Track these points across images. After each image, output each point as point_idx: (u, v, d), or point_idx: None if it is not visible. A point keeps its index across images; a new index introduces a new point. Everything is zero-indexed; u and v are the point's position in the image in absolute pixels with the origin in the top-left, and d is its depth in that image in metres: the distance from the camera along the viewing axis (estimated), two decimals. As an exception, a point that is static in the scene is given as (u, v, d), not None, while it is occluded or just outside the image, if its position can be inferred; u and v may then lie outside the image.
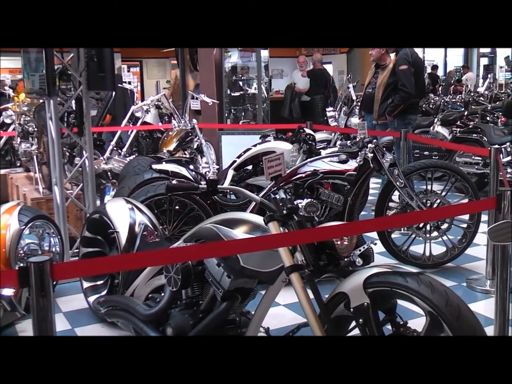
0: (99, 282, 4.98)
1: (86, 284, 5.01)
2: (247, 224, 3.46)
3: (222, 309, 3.50)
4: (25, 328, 4.83)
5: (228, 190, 5.74)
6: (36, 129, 7.93)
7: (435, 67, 21.15)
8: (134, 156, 9.11)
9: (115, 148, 9.30)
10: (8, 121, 10.27)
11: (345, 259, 3.29)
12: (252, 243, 3.14)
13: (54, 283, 2.57)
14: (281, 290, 3.32)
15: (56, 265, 2.53)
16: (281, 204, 3.25)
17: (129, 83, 12.88)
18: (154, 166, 5.87)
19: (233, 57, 11.02)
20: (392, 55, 8.49)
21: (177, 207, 5.64)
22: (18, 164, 10.37)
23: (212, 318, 3.53)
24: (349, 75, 13.27)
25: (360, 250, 4.25)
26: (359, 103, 9.93)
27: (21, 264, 5.08)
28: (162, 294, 3.90)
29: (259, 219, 3.42)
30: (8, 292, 4.58)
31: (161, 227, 4.79)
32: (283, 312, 4.90)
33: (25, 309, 4.77)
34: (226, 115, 10.53)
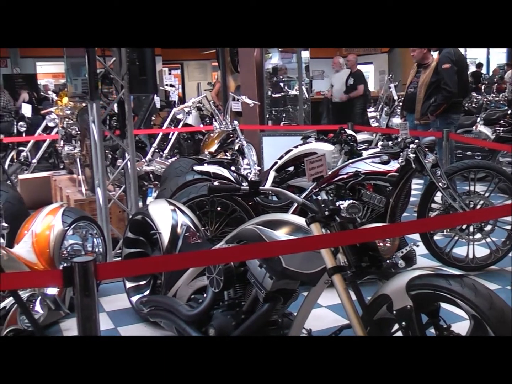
0: (141, 282, 5.02)
1: (129, 284, 5.05)
2: (289, 226, 3.45)
3: (264, 310, 3.50)
4: (69, 326, 4.91)
5: (269, 192, 5.74)
6: (79, 132, 8.02)
7: (480, 65, 20.83)
8: (175, 158, 9.18)
9: (157, 150, 9.37)
10: (51, 124, 10.40)
11: (387, 261, 3.27)
12: (294, 244, 3.14)
13: (98, 282, 2.59)
14: (323, 291, 3.32)
15: (99, 265, 2.56)
16: (323, 205, 3.24)
17: (171, 85, 13.00)
18: (196, 168, 5.91)
19: (274, 59, 11.01)
20: (435, 54, 8.40)
21: (218, 208, 5.67)
22: (62, 167, 10.51)
23: (255, 319, 3.53)
24: (390, 75, 13.18)
25: (402, 252, 4.21)
26: (400, 103, 9.85)
27: (65, 264, 5.15)
28: (205, 295, 3.92)
29: (301, 221, 3.41)
30: (52, 291, 4.65)
31: (203, 228, 4.82)
32: (325, 313, 4.88)
33: (69, 308, 4.85)
34: (267, 116, 10.52)
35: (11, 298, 4.34)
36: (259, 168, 8.82)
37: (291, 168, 6.79)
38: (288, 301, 3.59)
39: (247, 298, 3.70)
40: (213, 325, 3.72)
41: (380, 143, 7.99)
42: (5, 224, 3.88)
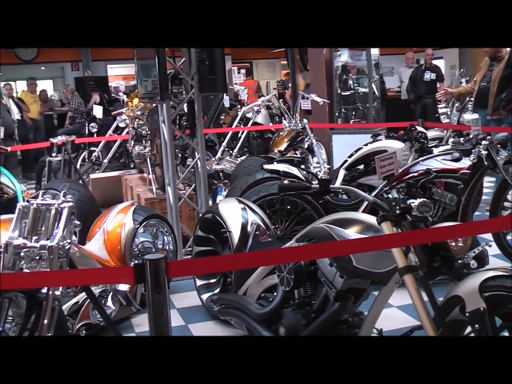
0: (212, 280, 5.05)
1: (199, 282, 5.09)
2: (360, 224, 3.42)
3: (335, 309, 3.47)
4: (141, 322, 4.98)
5: (340, 190, 5.70)
6: (149, 132, 8.14)
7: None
8: (245, 156, 9.21)
9: (226, 149, 9.43)
10: (122, 125, 10.59)
11: (459, 261, 3.20)
12: (365, 243, 3.11)
13: (169, 280, 2.63)
14: (394, 291, 3.28)
15: (171, 263, 2.59)
16: (394, 203, 3.20)
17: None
18: (266, 166, 5.91)
19: (343, 56, 10.94)
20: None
21: (288, 207, 5.66)
22: (132, 166, 10.69)
23: (325, 318, 3.51)
24: (462, 70, 12.92)
25: (474, 252, 4.14)
26: (472, 99, 9.64)
27: (136, 261, 5.24)
28: (275, 293, 3.91)
29: (371, 219, 3.38)
30: (123, 287, 4.74)
31: (273, 226, 4.81)
32: (396, 314, 4.82)
33: (140, 304, 4.92)
34: (337, 114, 10.47)
35: (83, 293, 4.44)
36: (328, 166, 8.79)
37: (361, 166, 6.73)
38: (358, 300, 3.56)
39: (317, 297, 3.68)
40: (283, 324, 3.72)
41: (451, 140, 7.84)
42: (77, 222, 3.94)
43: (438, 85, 12.26)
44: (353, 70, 10.87)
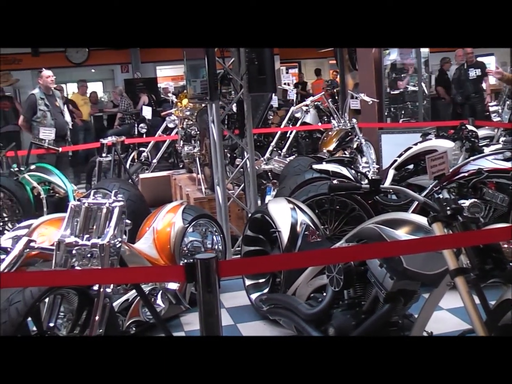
0: (261, 280, 5.06)
1: (248, 282, 5.10)
2: (410, 225, 3.39)
3: (384, 311, 3.45)
4: (190, 321, 5.02)
5: (390, 190, 5.64)
6: (198, 132, 8.19)
7: None
8: (294, 156, 9.20)
9: (275, 149, 9.43)
10: (171, 125, 10.69)
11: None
12: (415, 244, 3.08)
13: (219, 279, 2.64)
14: (445, 293, 3.24)
15: (222, 262, 2.61)
16: (445, 204, 3.16)
17: (289, 84, 13.05)
18: (315, 166, 5.89)
19: (392, 55, 10.85)
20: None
21: (337, 207, 5.62)
22: (181, 166, 10.76)
23: (375, 320, 3.49)
24: (513, 66, 12.68)
25: (527, 255, 4.05)
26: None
27: (185, 261, 5.28)
28: (324, 294, 3.90)
29: (422, 220, 3.35)
30: (173, 286, 4.77)
31: (322, 227, 4.80)
32: (447, 316, 4.75)
33: (189, 303, 4.95)
34: (386, 113, 10.39)
35: (133, 291, 4.49)
36: (377, 166, 8.73)
37: (411, 166, 6.65)
38: (408, 302, 3.53)
39: (367, 298, 3.66)
40: (332, 325, 3.71)
41: (502, 138, 7.70)
42: (128, 221, 4.00)
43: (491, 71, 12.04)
44: (411, 68, 10.75)
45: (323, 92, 12.01)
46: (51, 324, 3.67)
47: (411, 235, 3.31)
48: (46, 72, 9.31)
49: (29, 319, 3.45)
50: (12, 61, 17.77)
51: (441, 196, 3.27)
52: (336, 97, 13.64)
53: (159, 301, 4.68)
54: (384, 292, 3.41)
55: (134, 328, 4.57)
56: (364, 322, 3.55)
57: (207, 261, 2.54)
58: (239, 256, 5.63)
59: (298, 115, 10.55)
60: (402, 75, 10.79)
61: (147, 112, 11.68)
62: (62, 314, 3.86)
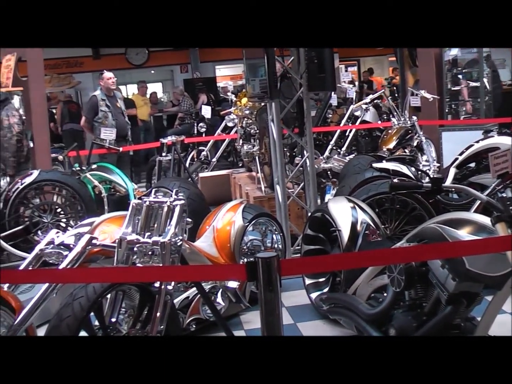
0: (321, 279, 5.04)
1: (308, 281, 5.08)
2: (473, 225, 3.33)
3: (446, 313, 3.39)
4: (250, 319, 5.03)
5: (451, 189, 5.55)
6: (257, 131, 8.20)
7: None
8: (353, 155, 9.15)
9: (334, 148, 9.39)
10: (230, 124, 10.73)
11: None
12: (478, 245, 3.03)
13: (280, 278, 2.64)
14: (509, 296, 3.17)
15: (283, 261, 2.60)
16: (508, 203, 3.09)
17: (350, 82, 12.96)
18: (375, 165, 5.85)
19: (453, 50, 10.67)
20: None
21: (398, 206, 5.56)
22: (240, 165, 10.80)
23: (436, 322, 3.44)
24: None
25: None
26: None
27: (245, 259, 5.30)
28: (385, 294, 3.86)
29: (485, 220, 3.28)
30: (233, 284, 4.79)
31: (382, 226, 4.75)
32: (510, 320, 4.64)
33: (249, 301, 4.96)
34: (447, 110, 10.24)
35: (194, 288, 4.53)
36: (438, 164, 8.61)
37: (472, 165, 6.54)
38: (471, 304, 3.46)
39: (428, 299, 3.60)
40: (393, 325, 3.66)
41: None
42: (189, 220, 4.04)
43: None
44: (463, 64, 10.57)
45: (382, 90, 11.90)
46: (113, 320, 3.74)
47: (474, 235, 3.24)
48: (107, 74, 9.49)
49: (92, 314, 3.50)
50: (74, 64, 18.14)
51: (504, 195, 3.20)
52: (396, 95, 13.51)
53: (219, 299, 4.71)
54: (446, 294, 3.35)
55: (194, 326, 4.61)
56: (425, 324, 3.49)
57: (269, 259, 2.54)
58: (298, 255, 5.63)
59: (357, 113, 10.46)
60: (463, 71, 10.61)
61: (206, 112, 11.76)
62: (123, 310, 3.92)
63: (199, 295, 4.51)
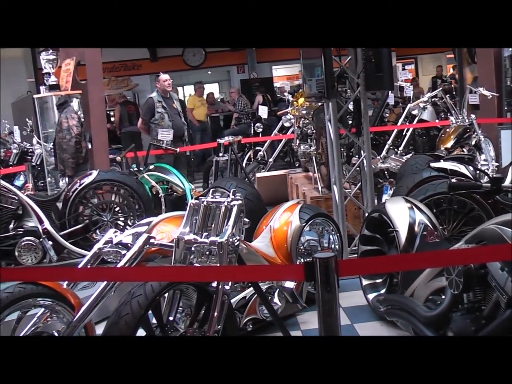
0: (378, 280, 5.00)
1: (365, 282, 5.05)
2: (534, 226, 3.27)
3: (506, 317, 3.32)
4: (306, 319, 5.03)
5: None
6: (314, 131, 8.19)
7: None
8: (411, 154, 9.05)
9: (391, 147, 9.31)
10: (287, 124, 10.76)
11: None
12: (541, 247, 2.97)
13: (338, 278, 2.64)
14: None
15: (341, 262, 2.60)
16: None
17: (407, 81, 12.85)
18: (433, 165, 5.78)
19: (513, 46, 10.49)
20: None
21: (456, 206, 5.49)
22: (297, 165, 10.81)
23: (496, 326, 3.37)
24: None
25: None
26: None
27: (301, 260, 5.31)
28: (443, 296, 3.81)
29: (547, 221, 3.22)
30: (290, 284, 4.79)
31: (440, 227, 4.70)
32: None
33: (306, 301, 4.96)
34: (506, 108, 10.05)
35: (250, 289, 4.55)
36: (497, 164, 8.45)
37: (534, 163, 6.40)
38: (532, 308, 3.39)
39: (487, 302, 3.54)
40: (451, 329, 3.61)
41: None
42: (246, 220, 4.06)
43: None
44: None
45: (440, 88, 11.74)
46: (171, 318, 3.79)
47: (535, 237, 3.19)
48: (164, 76, 9.63)
49: (150, 312, 3.55)
50: (132, 67, 18.41)
51: None
52: (454, 93, 13.33)
53: (276, 299, 4.72)
54: (505, 297, 3.28)
55: (250, 326, 4.63)
56: (484, 328, 3.44)
57: (326, 260, 2.55)
58: (355, 255, 5.60)
59: (415, 112, 10.35)
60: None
61: (263, 112, 11.80)
62: (180, 309, 3.96)
63: (256, 295, 4.54)
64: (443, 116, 11.55)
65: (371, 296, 4.98)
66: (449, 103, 10.34)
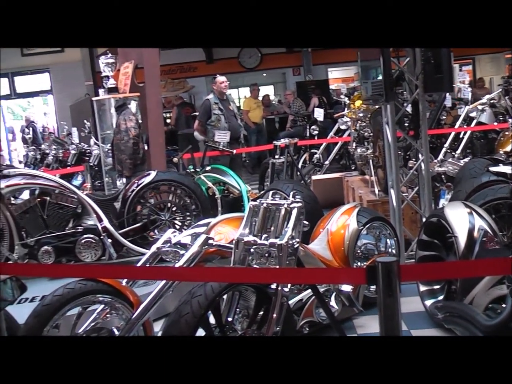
0: (435, 287, 4.96)
1: (423, 288, 5.01)
2: None
3: None
4: (363, 323, 5.03)
5: None
6: (371, 133, 8.15)
7: None
8: (468, 158, 8.93)
9: (449, 151, 9.20)
10: (343, 127, 10.74)
11: None
12: None
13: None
14: None
15: (403, 267, 2.60)
16: None
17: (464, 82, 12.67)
18: (492, 169, 5.70)
19: None
20: None
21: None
22: (353, 168, 10.77)
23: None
24: None
25: None
26: None
27: (358, 263, 5.30)
28: (504, 305, 3.76)
29: None
30: (347, 288, 4.78)
31: (500, 233, 4.63)
32: None
33: (362, 305, 4.94)
34: None
35: (308, 291, 4.55)
36: (557, 168, 8.28)
37: None
38: None
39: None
40: None
41: None
42: (306, 222, 4.08)
43: None
44: None
45: (500, 89, 11.55)
46: (230, 319, 3.82)
47: None
48: (220, 78, 9.71)
49: (209, 312, 3.59)
50: (188, 69, 18.60)
51: None
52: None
53: (332, 302, 4.72)
54: None
55: (307, 329, 4.64)
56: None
57: (389, 264, 2.54)
58: (412, 260, 5.55)
59: (473, 114, 10.21)
60: None
61: (318, 114, 11.79)
62: (238, 310, 3.99)
63: (313, 298, 4.54)
64: (501, 118, 11.37)
65: (428, 302, 4.93)
66: (509, 105, 10.17)
